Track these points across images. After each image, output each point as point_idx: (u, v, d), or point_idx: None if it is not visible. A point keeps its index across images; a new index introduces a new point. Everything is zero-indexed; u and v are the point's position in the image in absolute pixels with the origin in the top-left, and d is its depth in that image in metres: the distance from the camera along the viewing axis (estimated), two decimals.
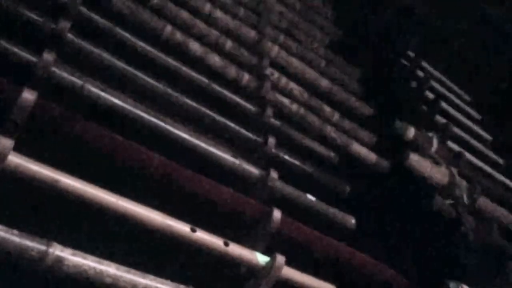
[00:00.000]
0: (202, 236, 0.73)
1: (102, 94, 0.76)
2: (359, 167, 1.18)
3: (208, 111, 0.91)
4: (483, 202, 1.24)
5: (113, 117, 0.79)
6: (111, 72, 0.86)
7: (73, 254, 0.61)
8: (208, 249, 0.74)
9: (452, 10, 2.02)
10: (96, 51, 0.83)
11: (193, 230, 0.72)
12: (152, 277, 0.67)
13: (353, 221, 0.97)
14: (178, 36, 1.01)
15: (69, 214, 0.66)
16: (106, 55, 0.83)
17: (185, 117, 0.90)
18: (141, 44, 0.91)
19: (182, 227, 0.72)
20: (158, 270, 0.71)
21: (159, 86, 0.86)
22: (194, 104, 0.90)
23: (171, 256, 0.75)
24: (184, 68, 0.95)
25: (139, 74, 0.86)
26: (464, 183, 1.22)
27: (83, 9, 0.86)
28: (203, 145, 0.83)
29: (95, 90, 0.77)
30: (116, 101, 0.77)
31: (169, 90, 0.88)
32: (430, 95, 1.60)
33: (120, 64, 0.85)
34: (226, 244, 0.75)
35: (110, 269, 0.63)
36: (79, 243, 0.62)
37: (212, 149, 0.85)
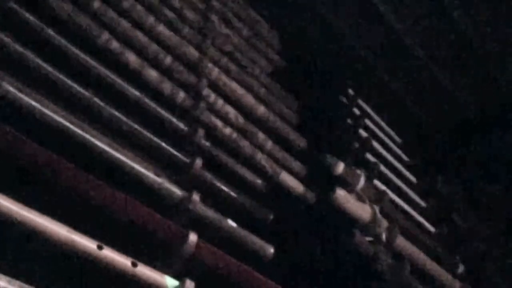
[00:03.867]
0: (109, 254, 0.70)
1: (19, 95, 0.72)
2: (285, 197, 1.19)
3: (134, 125, 0.89)
4: (401, 241, 1.28)
5: (29, 120, 0.75)
6: (36, 75, 0.82)
7: None
8: (114, 268, 0.71)
9: (394, 55, 2.13)
10: (20, 50, 0.79)
11: (99, 248, 0.69)
12: None
13: (272, 250, 0.97)
14: (115, 44, 0.98)
15: None
16: (30, 56, 0.79)
17: (109, 128, 0.87)
18: (71, 48, 0.87)
19: (88, 244, 0.68)
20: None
21: (85, 93, 0.83)
22: (120, 116, 0.87)
23: (73, 273, 0.71)
24: (115, 78, 0.92)
25: (65, 79, 0.82)
26: (384, 221, 1.26)
27: (12, 5, 0.82)
28: (123, 158, 0.80)
29: (13, 90, 0.73)
30: (34, 104, 0.73)
31: (96, 99, 0.84)
32: (363, 134, 1.65)
33: (45, 66, 0.81)
34: (134, 265, 0.72)
35: (1, 282, 0.59)
36: None
37: (134, 165, 0.82)
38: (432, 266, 1.34)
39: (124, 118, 0.88)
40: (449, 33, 2.07)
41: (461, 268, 1.46)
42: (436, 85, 2.20)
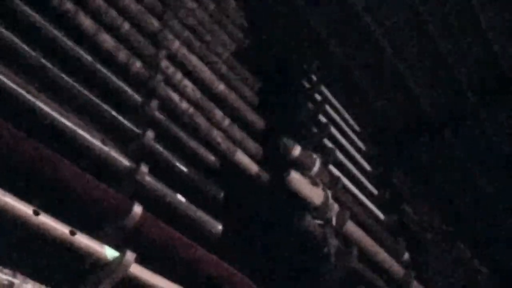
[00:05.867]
0: (46, 220, 0.67)
1: None
2: (239, 176, 1.18)
3: (84, 91, 0.85)
4: (350, 227, 1.29)
5: None
6: None
7: None
8: (51, 236, 0.68)
9: (361, 46, 2.14)
10: None
11: (36, 213, 0.66)
12: None
13: (220, 227, 0.96)
14: (69, 6, 0.94)
15: None
16: None
17: (57, 92, 0.83)
18: (21, 6, 0.82)
19: (23, 208, 0.65)
20: None
21: (32, 53, 0.78)
22: (69, 80, 0.84)
23: (6, 239, 0.68)
24: (66, 40, 0.88)
25: (12, 38, 0.77)
26: (335, 206, 1.27)
27: None
28: (68, 124, 0.77)
29: None
30: None
31: (44, 61, 0.80)
32: (323, 119, 1.66)
33: None
34: (72, 233, 0.69)
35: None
36: None
37: (79, 131, 0.79)
38: (378, 252, 1.37)
39: (73, 83, 0.85)
40: (415, 31, 2.10)
41: (405, 256, 1.50)
42: (399, 80, 2.23)
